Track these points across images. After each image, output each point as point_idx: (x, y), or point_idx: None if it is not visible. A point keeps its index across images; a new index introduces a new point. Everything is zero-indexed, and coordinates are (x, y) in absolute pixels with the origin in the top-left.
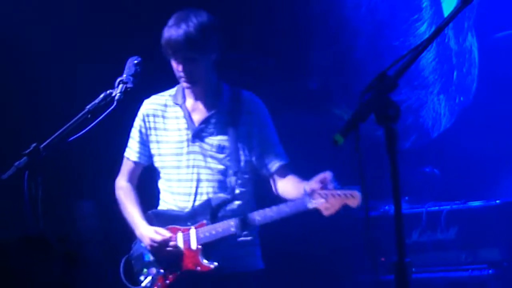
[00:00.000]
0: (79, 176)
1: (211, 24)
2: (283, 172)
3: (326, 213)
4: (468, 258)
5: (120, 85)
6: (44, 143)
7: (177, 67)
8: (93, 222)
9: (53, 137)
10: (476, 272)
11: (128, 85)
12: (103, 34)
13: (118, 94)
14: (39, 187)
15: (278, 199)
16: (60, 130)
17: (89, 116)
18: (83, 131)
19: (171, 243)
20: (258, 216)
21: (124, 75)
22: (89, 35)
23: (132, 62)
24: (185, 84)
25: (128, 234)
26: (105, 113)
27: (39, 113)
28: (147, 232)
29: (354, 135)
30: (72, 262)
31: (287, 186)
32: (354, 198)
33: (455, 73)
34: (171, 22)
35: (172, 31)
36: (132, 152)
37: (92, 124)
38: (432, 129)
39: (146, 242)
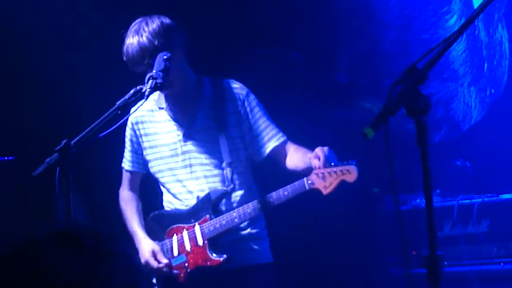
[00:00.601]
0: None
1: (164, 26)
2: (281, 151)
3: (325, 192)
4: (500, 251)
5: (150, 81)
6: (75, 140)
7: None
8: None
9: (83, 133)
10: (508, 265)
11: (158, 81)
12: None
13: (148, 90)
14: (70, 183)
15: (280, 183)
16: (91, 126)
17: (119, 112)
18: (114, 127)
19: (165, 269)
20: (259, 204)
21: (154, 71)
22: (119, 30)
23: (161, 57)
24: (162, 90)
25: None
26: (135, 109)
27: (70, 110)
28: (144, 250)
29: (383, 128)
30: (103, 257)
31: (293, 161)
32: (350, 174)
33: (485, 65)
34: (126, 38)
35: (128, 47)
36: (126, 162)
37: (122, 120)
38: (463, 121)
39: (142, 259)
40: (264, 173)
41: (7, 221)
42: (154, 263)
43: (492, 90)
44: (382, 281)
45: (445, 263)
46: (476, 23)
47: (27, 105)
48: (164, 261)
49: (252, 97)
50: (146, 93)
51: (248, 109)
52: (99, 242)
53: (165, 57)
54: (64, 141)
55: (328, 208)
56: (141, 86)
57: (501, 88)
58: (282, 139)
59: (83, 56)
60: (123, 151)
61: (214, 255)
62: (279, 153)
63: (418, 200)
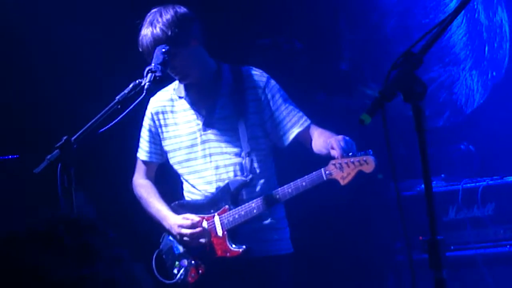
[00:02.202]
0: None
1: (178, 17)
2: (305, 136)
3: (343, 182)
4: (506, 234)
5: (149, 74)
6: (75, 136)
7: None
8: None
9: (84, 129)
10: None
11: (157, 74)
12: (131, 24)
13: (147, 84)
14: (72, 179)
15: (298, 173)
16: (91, 122)
17: (119, 106)
18: (114, 121)
19: (198, 229)
20: (277, 194)
21: (153, 64)
22: (116, 26)
23: (160, 50)
24: (180, 81)
25: (154, 229)
26: (135, 103)
27: (69, 106)
28: (176, 221)
29: (382, 114)
30: (89, 257)
31: (317, 147)
32: (368, 164)
33: (486, 48)
34: (141, 29)
35: (143, 38)
36: (143, 152)
37: (122, 115)
38: (466, 105)
39: (176, 230)
40: (285, 161)
41: (12, 219)
42: (187, 222)
43: (494, 73)
44: (389, 267)
45: (451, 247)
46: (475, 6)
47: (29, 103)
48: (197, 218)
49: (272, 83)
50: (146, 86)
51: (269, 96)
52: (80, 239)
53: (163, 50)
54: (65, 137)
55: (333, 195)
56: (140, 80)
57: (502, 70)
58: (306, 124)
59: (82, 52)
60: (123, 144)
61: (233, 246)
62: (304, 138)
63: (422, 185)
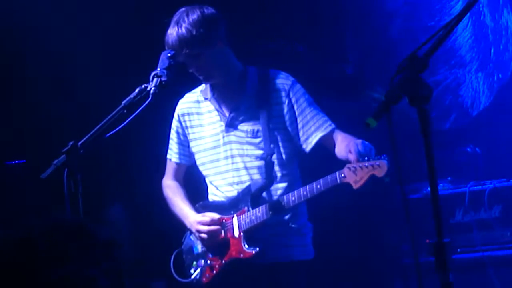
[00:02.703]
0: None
1: (205, 17)
2: (328, 140)
3: (355, 186)
4: None
5: (155, 79)
6: (82, 141)
7: (188, 68)
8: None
9: (90, 134)
10: None
11: (163, 79)
12: (137, 29)
13: (153, 88)
14: (79, 184)
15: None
16: (97, 127)
17: (125, 111)
18: (120, 126)
19: (215, 227)
20: (292, 196)
21: (158, 69)
22: (122, 31)
23: (165, 55)
24: (203, 81)
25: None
26: (141, 108)
27: (75, 111)
28: (195, 218)
29: (389, 118)
30: (89, 261)
31: (339, 152)
32: (380, 168)
33: (492, 50)
34: (168, 28)
35: (169, 36)
36: (173, 153)
37: (128, 119)
38: (472, 107)
39: (194, 227)
40: (309, 165)
41: (19, 224)
42: (205, 219)
43: (500, 75)
44: (396, 270)
45: (458, 250)
46: (481, 9)
47: (35, 108)
48: (216, 216)
49: (297, 87)
50: (151, 91)
51: (293, 100)
52: (79, 245)
53: (169, 54)
54: (71, 142)
55: (340, 198)
56: (146, 85)
57: (508, 72)
58: (329, 128)
59: (88, 57)
60: (128, 148)
61: (246, 246)
62: (327, 142)
63: (429, 188)
